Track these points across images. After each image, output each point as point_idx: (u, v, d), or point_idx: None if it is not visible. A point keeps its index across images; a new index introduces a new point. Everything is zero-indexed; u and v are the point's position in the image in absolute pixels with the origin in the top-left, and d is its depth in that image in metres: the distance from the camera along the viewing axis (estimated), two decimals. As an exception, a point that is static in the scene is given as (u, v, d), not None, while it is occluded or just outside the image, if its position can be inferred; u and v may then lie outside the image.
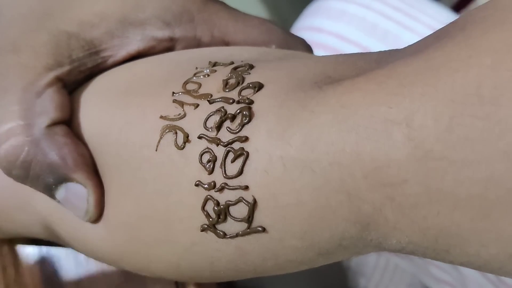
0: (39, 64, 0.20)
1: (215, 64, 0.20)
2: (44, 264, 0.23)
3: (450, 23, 0.15)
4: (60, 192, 0.19)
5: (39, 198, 0.21)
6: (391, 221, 0.15)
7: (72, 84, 0.21)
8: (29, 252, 0.24)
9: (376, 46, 0.36)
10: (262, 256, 0.17)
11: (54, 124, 0.20)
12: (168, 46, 0.22)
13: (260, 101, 0.17)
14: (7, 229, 0.23)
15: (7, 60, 0.20)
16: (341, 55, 0.18)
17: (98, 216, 0.20)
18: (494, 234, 0.13)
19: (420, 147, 0.13)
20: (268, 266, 0.18)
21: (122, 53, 0.21)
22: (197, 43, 0.22)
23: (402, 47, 0.17)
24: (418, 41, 0.16)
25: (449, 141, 0.13)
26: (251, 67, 0.18)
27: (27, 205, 0.22)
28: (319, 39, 0.37)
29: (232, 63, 0.19)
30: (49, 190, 0.19)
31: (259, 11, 0.90)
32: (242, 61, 0.19)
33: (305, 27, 0.39)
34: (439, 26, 0.38)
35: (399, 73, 0.14)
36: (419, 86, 0.13)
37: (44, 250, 0.24)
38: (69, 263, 0.23)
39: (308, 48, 0.24)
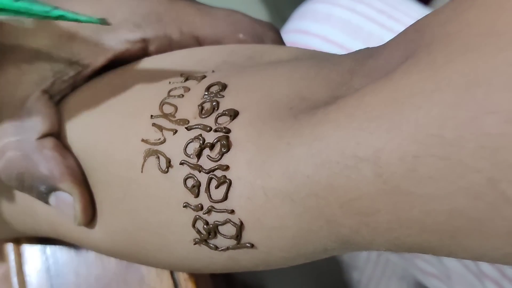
0: (26, 81, 0.21)
1: (187, 78, 0.20)
2: (49, 270, 0.25)
3: (418, 26, 0.16)
4: (52, 200, 0.21)
5: (41, 203, 0.22)
6: (367, 240, 0.16)
7: (57, 94, 0.22)
8: (35, 254, 0.25)
9: (360, 48, 0.38)
10: (253, 263, 0.19)
11: (43, 136, 0.21)
12: (142, 46, 0.23)
13: (237, 130, 0.18)
14: (19, 228, 0.25)
15: None
16: (313, 65, 0.19)
17: (86, 221, 0.21)
18: (460, 248, 0.14)
19: (388, 183, 0.14)
20: (260, 269, 0.19)
21: (100, 59, 0.22)
22: (169, 41, 0.23)
23: (374, 48, 0.18)
24: (389, 45, 0.17)
25: (414, 178, 0.13)
26: (224, 87, 0.19)
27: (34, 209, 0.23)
28: (305, 41, 0.39)
29: (204, 76, 0.20)
30: (43, 198, 0.21)
31: (259, 10, 0.91)
32: (213, 71, 0.20)
33: (292, 29, 0.41)
34: (421, 27, 0.39)
35: (366, 105, 0.15)
36: (384, 122, 0.14)
37: (49, 252, 0.25)
38: (73, 266, 0.25)
39: (275, 32, 0.24)
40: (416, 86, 0.14)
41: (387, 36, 0.38)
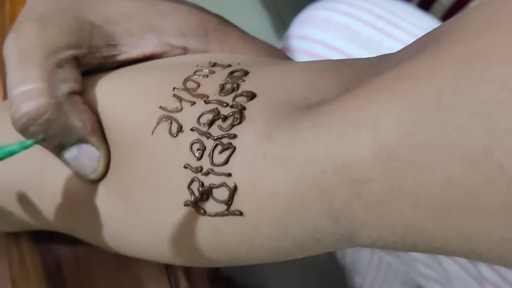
0: (61, 40, 0.22)
1: (214, 65, 0.22)
2: (46, 259, 0.25)
3: (433, 30, 0.16)
4: (72, 152, 0.22)
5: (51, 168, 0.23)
6: (359, 217, 0.16)
7: (84, 66, 0.23)
8: (32, 248, 0.26)
9: (359, 53, 0.38)
10: (238, 238, 0.19)
11: (73, 93, 0.22)
12: (180, 54, 0.24)
13: (251, 108, 0.19)
14: (17, 220, 0.25)
15: (32, 28, 0.21)
16: (328, 62, 0.20)
17: (103, 175, 0.22)
18: (455, 232, 0.14)
19: (384, 148, 0.14)
20: (243, 251, 0.19)
21: (136, 52, 0.24)
22: None
23: (390, 53, 0.18)
24: (403, 49, 0.17)
25: (410, 144, 0.14)
26: (246, 73, 0.20)
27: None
28: (306, 47, 0.40)
29: (230, 65, 0.21)
30: (59, 149, 0.22)
31: (260, 15, 0.92)
32: (238, 64, 0.22)
33: (294, 35, 0.41)
34: (421, 33, 0.40)
35: (372, 83, 0.16)
36: (386, 93, 0.15)
37: (46, 246, 0.26)
38: (69, 256, 0.25)
39: None
40: (419, 65, 0.14)
41: (385, 41, 0.38)
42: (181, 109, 0.20)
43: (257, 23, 0.88)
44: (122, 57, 0.24)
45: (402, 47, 0.18)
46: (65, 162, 0.22)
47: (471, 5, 0.51)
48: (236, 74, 0.20)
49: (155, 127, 0.20)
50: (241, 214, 0.18)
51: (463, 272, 0.40)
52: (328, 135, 0.16)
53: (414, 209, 0.14)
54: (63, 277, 0.24)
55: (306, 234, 0.17)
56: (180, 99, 0.20)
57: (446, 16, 0.53)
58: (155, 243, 0.21)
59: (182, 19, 0.24)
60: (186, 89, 0.20)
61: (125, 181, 0.21)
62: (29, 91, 0.20)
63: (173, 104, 0.20)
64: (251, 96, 0.19)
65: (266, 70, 0.21)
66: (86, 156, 0.22)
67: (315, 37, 0.40)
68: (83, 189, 0.22)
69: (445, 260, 0.41)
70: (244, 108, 0.19)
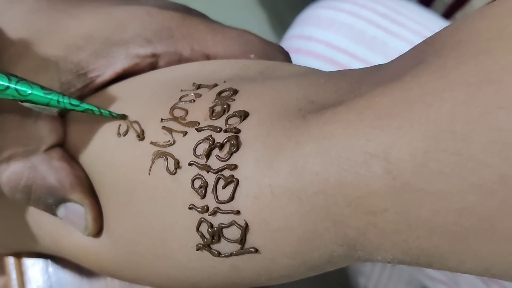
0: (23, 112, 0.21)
1: (199, 86, 0.20)
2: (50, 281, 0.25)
3: (429, 39, 0.16)
4: (61, 211, 0.21)
5: (44, 217, 0.22)
6: (375, 244, 0.15)
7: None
8: (37, 273, 0.26)
9: (364, 53, 0.38)
10: (256, 272, 0.18)
11: (50, 148, 0.21)
12: (151, 61, 0.23)
13: (246, 130, 0.18)
14: (19, 242, 0.25)
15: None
16: (322, 74, 0.19)
17: (97, 230, 0.21)
18: (470, 254, 0.14)
19: (398, 179, 0.14)
20: (263, 280, 0.19)
21: (109, 73, 0.22)
22: (179, 57, 0.23)
23: (384, 63, 0.18)
24: (399, 58, 0.17)
25: (424, 174, 0.14)
26: (235, 92, 0.19)
27: (36, 223, 0.24)
28: (309, 47, 0.39)
29: (216, 85, 0.20)
30: (50, 210, 0.21)
31: (258, 14, 0.91)
32: (225, 81, 0.20)
33: (295, 35, 0.41)
34: (425, 31, 0.39)
35: (376, 104, 0.15)
36: (395, 120, 0.14)
37: (52, 271, 0.26)
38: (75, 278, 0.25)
39: (286, 56, 0.25)
40: (426, 86, 0.14)
41: (390, 41, 0.38)
42: (174, 142, 0.19)
43: (255, 23, 0.88)
44: (97, 82, 0.23)
45: (408, 46, 0.17)
46: (63, 221, 0.22)
47: (473, 2, 0.50)
48: (224, 94, 0.19)
49: (151, 166, 0.19)
50: (256, 251, 0.17)
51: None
52: (336, 166, 0.15)
53: (430, 236, 0.14)
54: None
55: (322, 260, 0.17)
56: (171, 131, 0.19)
57: (447, 12, 0.52)
58: (172, 284, 0.20)
59: (143, 25, 0.23)
60: (175, 119, 0.19)
61: (128, 230, 0.20)
62: (7, 158, 0.20)
63: (164, 137, 0.19)
64: (244, 115, 0.18)
65: (257, 86, 0.20)
66: (73, 214, 0.21)
67: (318, 37, 0.39)
68: (89, 245, 0.22)
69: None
70: (239, 131, 0.18)
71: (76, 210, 0.21)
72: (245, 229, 0.17)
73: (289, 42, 0.41)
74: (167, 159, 0.19)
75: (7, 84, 0.19)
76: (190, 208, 0.18)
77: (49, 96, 0.20)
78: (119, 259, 0.21)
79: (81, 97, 0.23)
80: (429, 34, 0.17)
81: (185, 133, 0.19)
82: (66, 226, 0.22)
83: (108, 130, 0.21)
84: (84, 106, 0.20)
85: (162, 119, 0.20)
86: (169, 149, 0.19)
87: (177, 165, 0.18)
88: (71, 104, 0.20)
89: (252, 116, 0.18)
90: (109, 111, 0.20)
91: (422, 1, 0.55)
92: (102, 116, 0.21)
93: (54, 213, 0.21)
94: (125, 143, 0.20)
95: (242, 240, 0.17)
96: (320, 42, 0.39)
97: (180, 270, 0.19)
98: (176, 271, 0.20)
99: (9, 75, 0.19)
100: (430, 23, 0.39)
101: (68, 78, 0.22)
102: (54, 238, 0.23)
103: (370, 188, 0.15)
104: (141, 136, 0.20)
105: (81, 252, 0.23)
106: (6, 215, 0.24)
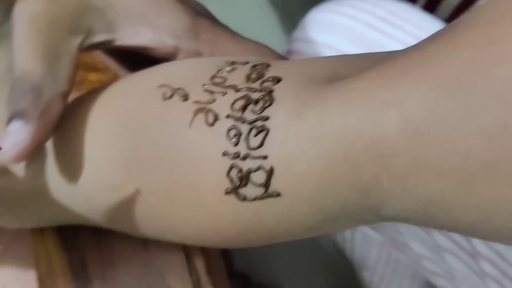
0: (65, 25, 0.23)
1: (233, 63, 0.23)
2: (71, 256, 0.27)
3: (446, 27, 0.18)
4: (11, 125, 0.22)
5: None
6: (386, 190, 0.17)
7: (82, 48, 0.25)
8: (58, 246, 0.27)
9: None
10: (276, 219, 0.20)
11: (60, 94, 0.23)
12: (171, 52, 0.26)
13: (279, 89, 0.20)
14: (44, 217, 0.26)
15: (41, 11, 0.23)
16: (345, 55, 0.22)
17: (9, 161, 0.22)
18: (473, 201, 0.16)
19: (411, 125, 0.16)
20: (281, 229, 0.21)
21: (130, 41, 0.26)
22: (198, 56, 0.26)
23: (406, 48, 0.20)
24: (417, 43, 0.19)
25: (434, 119, 0.16)
26: (268, 65, 0.22)
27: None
28: (310, 50, 0.42)
29: (248, 62, 0.23)
30: (11, 116, 0.22)
31: (270, 14, 0.93)
32: (254, 61, 0.23)
33: (298, 38, 0.43)
34: (423, 34, 0.41)
35: (395, 64, 0.17)
36: (411, 75, 0.17)
37: (71, 242, 0.27)
38: (94, 254, 0.27)
39: None
40: (439, 48, 0.16)
41: (389, 43, 0.40)
42: (214, 100, 0.21)
43: (267, 24, 0.90)
44: (116, 43, 0.26)
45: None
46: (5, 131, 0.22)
47: (479, 3, 0.52)
48: (258, 66, 0.22)
49: (191, 120, 0.21)
50: (278, 195, 0.20)
51: (465, 267, 0.42)
52: (357, 114, 0.17)
53: (437, 180, 0.16)
54: (88, 274, 0.26)
55: (337, 208, 0.19)
56: (212, 92, 0.22)
57: (453, 15, 0.54)
58: (199, 233, 0.23)
59: (178, 20, 0.26)
60: (215, 84, 0.22)
61: (164, 181, 0.22)
62: (26, 75, 0.22)
63: (206, 97, 0.22)
64: (277, 80, 0.21)
65: (286, 62, 0.23)
66: (12, 133, 0.22)
67: (320, 40, 0.41)
68: (116, 204, 0.24)
69: (448, 256, 0.42)
70: (272, 91, 0.20)
71: (16, 134, 0.22)
72: (270, 173, 0.19)
73: (292, 45, 0.44)
74: (207, 113, 0.21)
75: None
76: (223, 155, 0.20)
77: None
78: (148, 212, 0.23)
79: (95, 48, 0.25)
80: (426, 37, 0.20)
81: (225, 93, 0.21)
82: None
83: (152, 95, 0.23)
84: None
85: (204, 84, 0.22)
86: (209, 106, 0.21)
87: (216, 117, 0.21)
88: None
89: (284, 80, 0.21)
90: None
91: (428, 3, 0.57)
92: None
93: (9, 120, 0.22)
94: (170, 104, 0.22)
95: (267, 184, 0.20)
96: (321, 45, 0.41)
97: (207, 216, 0.22)
98: (204, 217, 0.22)
99: None
100: (428, 26, 0.41)
101: (97, 27, 0.25)
102: (87, 198, 0.24)
103: (386, 133, 0.17)
104: (185, 98, 0.22)
105: (110, 210, 0.24)
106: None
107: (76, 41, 0.24)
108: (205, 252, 0.26)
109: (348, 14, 0.41)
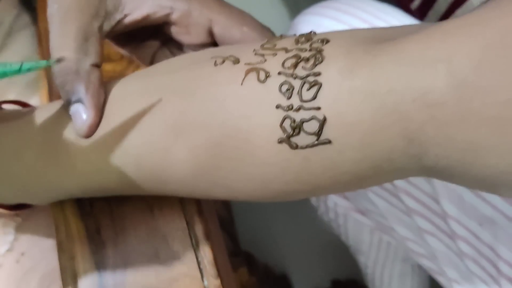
0: (89, 11, 0.27)
1: (281, 36, 0.25)
2: (87, 223, 0.30)
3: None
4: (73, 108, 0.26)
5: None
6: (430, 136, 0.19)
7: (103, 33, 0.28)
8: (75, 214, 0.31)
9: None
10: (324, 166, 0.22)
11: (94, 65, 0.26)
12: (168, 12, 0.29)
13: (329, 49, 0.22)
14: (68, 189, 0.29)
15: (69, 4, 0.27)
16: (386, 27, 0.24)
17: (85, 136, 0.26)
18: (509, 147, 0.18)
19: (457, 78, 0.18)
20: (327, 178, 0.22)
21: (137, 13, 0.29)
22: (189, 14, 0.30)
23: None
24: (459, 16, 0.21)
25: (478, 73, 0.18)
26: (314, 33, 0.24)
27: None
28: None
29: (295, 34, 0.25)
30: (67, 103, 0.26)
31: (279, 7, 0.94)
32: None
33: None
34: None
35: (442, 28, 0.20)
36: (458, 36, 0.19)
37: (87, 211, 0.30)
38: (107, 221, 0.30)
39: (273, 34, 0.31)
40: (483, 16, 0.19)
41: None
42: (265, 61, 0.23)
43: (277, 15, 0.92)
44: (127, 20, 0.29)
45: None
46: (70, 114, 0.26)
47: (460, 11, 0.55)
48: (305, 34, 0.24)
49: (243, 78, 0.23)
50: (329, 142, 0.21)
51: (445, 247, 0.45)
52: (407, 70, 0.19)
53: (477, 127, 0.18)
54: (102, 239, 0.29)
55: (382, 155, 0.21)
56: (263, 54, 0.23)
57: (443, 18, 0.57)
58: (248, 185, 0.24)
59: None
60: (266, 48, 0.23)
61: (215, 135, 0.23)
62: (61, 56, 0.26)
63: (257, 59, 0.23)
64: (326, 40, 0.22)
65: (331, 31, 0.24)
66: (78, 115, 0.26)
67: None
68: (166, 155, 0.25)
69: (429, 237, 0.46)
70: (322, 50, 0.22)
71: (82, 113, 0.26)
72: (323, 122, 0.21)
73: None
74: (258, 72, 0.23)
75: None
76: (277, 107, 0.22)
77: None
78: (198, 168, 0.25)
79: (113, 30, 0.28)
80: None
81: (275, 54, 0.23)
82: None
83: (203, 64, 0.25)
84: (26, 66, 0.22)
85: (254, 49, 0.24)
86: (261, 65, 0.23)
87: (267, 74, 0.22)
88: (15, 71, 0.22)
89: (332, 41, 0.22)
90: (46, 61, 0.24)
91: (419, 11, 0.60)
92: (42, 68, 0.25)
93: (68, 107, 0.26)
94: (222, 68, 0.24)
95: (319, 132, 0.21)
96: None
97: (258, 167, 0.23)
98: (254, 169, 0.23)
99: None
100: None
101: (111, 10, 0.29)
102: (137, 164, 0.26)
103: (434, 85, 0.19)
104: (236, 61, 0.23)
105: (160, 173, 0.26)
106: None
107: (97, 24, 0.28)
108: (203, 219, 0.30)
109: (332, 16, 0.45)
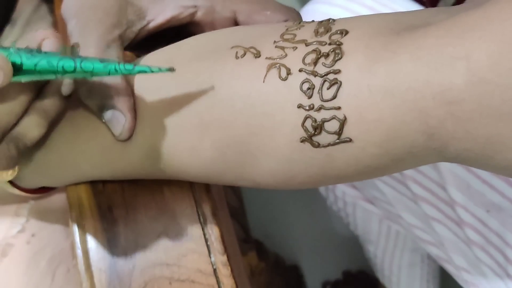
0: (108, 21, 0.27)
1: (300, 22, 0.25)
2: (100, 202, 0.31)
3: None
4: (108, 114, 0.26)
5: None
6: (451, 132, 0.20)
7: (126, 42, 0.28)
8: (88, 192, 0.31)
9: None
10: (346, 162, 0.22)
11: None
12: (192, 12, 0.30)
13: (348, 43, 0.22)
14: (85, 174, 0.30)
15: (88, 14, 0.27)
16: (403, 10, 0.26)
17: (127, 137, 0.26)
18: None
19: (476, 75, 0.18)
20: (350, 171, 0.23)
21: (160, 18, 0.30)
22: (213, 10, 0.30)
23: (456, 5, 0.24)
24: (478, 6, 0.21)
25: (497, 70, 0.18)
26: (333, 21, 0.24)
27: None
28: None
29: (313, 21, 0.25)
30: (100, 111, 0.26)
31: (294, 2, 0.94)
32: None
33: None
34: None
35: (461, 22, 0.19)
36: (477, 32, 0.19)
37: (99, 190, 0.31)
38: (119, 200, 0.31)
39: (298, 15, 0.31)
40: (504, 8, 0.18)
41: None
42: (286, 55, 0.23)
43: (284, 3, 0.91)
44: (151, 25, 0.29)
45: None
46: (105, 122, 0.27)
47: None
48: (324, 22, 0.24)
49: (265, 75, 0.23)
50: (350, 140, 0.22)
51: (452, 235, 0.45)
52: (426, 67, 0.19)
53: (497, 123, 0.19)
54: (113, 217, 0.30)
55: (404, 149, 0.21)
56: (283, 48, 0.23)
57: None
58: (273, 178, 0.25)
59: None
60: (286, 40, 0.23)
61: (241, 134, 0.24)
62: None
63: (278, 53, 0.23)
64: (345, 32, 0.22)
65: (350, 17, 0.24)
66: (115, 119, 0.26)
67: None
68: (191, 154, 0.26)
69: (436, 224, 0.46)
70: (341, 43, 0.22)
71: (118, 118, 0.26)
72: (343, 121, 0.21)
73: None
74: (279, 68, 0.23)
75: (74, 65, 0.23)
76: (298, 107, 0.22)
77: (108, 67, 0.23)
78: (225, 164, 0.25)
79: (136, 38, 0.29)
80: None
81: (296, 48, 0.23)
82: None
83: (225, 56, 0.25)
84: (138, 69, 0.24)
85: (275, 41, 0.24)
86: (282, 61, 0.23)
87: (289, 72, 0.23)
88: (126, 69, 0.23)
89: (351, 33, 0.22)
90: (159, 68, 0.24)
91: (429, 1, 0.59)
92: (152, 73, 0.24)
93: (100, 115, 0.27)
94: (243, 61, 0.24)
95: (340, 131, 0.22)
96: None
97: (283, 163, 0.24)
98: (279, 165, 0.24)
99: (74, 58, 0.23)
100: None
101: (133, 18, 0.29)
102: (173, 157, 0.27)
103: (453, 82, 0.19)
104: (257, 55, 0.24)
105: (189, 170, 0.27)
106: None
107: (119, 31, 0.28)
108: (211, 198, 0.31)
109: (339, 5, 0.45)
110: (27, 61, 0.22)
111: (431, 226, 0.46)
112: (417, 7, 0.45)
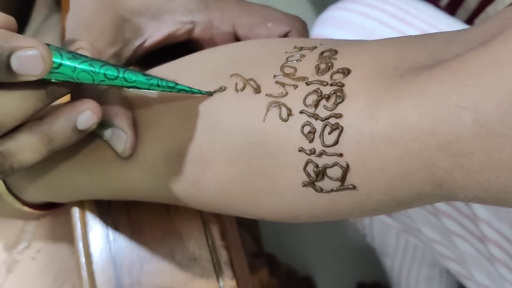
0: (104, 40, 0.27)
1: (301, 49, 0.24)
2: (106, 221, 0.30)
3: (502, 13, 0.19)
4: (107, 132, 0.25)
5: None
6: (459, 182, 0.19)
7: (123, 60, 0.28)
8: (94, 211, 0.31)
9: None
10: (351, 206, 0.22)
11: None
12: (190, 28, 0.29)
13: (350, 84, 0.21)
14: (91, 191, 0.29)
15: (82, 34, 0.27)
16: (412, 36, 0.23)
17: (130, 155, 0.25)
18: None
19: (484, 127, 0.17)
20: (356, 214, 0.22)
21: (157, 35, 0.29)
22: (211, 25, 0.30)
23: (468, 27, 0.21)
24: (484, 24, 0.20)
25: (507, 122, 0.17)
26: (335, 52, 0.23)
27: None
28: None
29: (315, 47, 0.24)
30: (99, 131, 0.25)
31: (306, 7, 0.94)
32: (321, 44, 0.24)
33: (314, 35, 0.46)
34: (431, 29, 0.44)
35: (468, 66, 0.18)
36: (485, 78, 0.17)
37: (105, 210, 0.31)
38: (124, 222, 0.30)
39: (302, 24, 0.30)
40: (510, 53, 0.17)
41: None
42: (287, 94, 0.22)
43: (300, 11, 0.90)
44: (148, 43, 0.29)
45: None
46: (106, 140, 0.26)
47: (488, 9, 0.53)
48: (326, 54, 0.23)
49: (265, 114, 0.22)
50: (354, 188, 0.21)
51: (474, 251, 0.44)
52: (431, 117, 0.18)
53: (510, 174, 0.18)
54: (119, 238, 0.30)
55: (410, 197, 0.21)
56: (283, 85, 0.22)
57: (469, 19, 0.55)
58: (277, 217, 0.24)
59: None
60: (286, 75, 0.23)
61: (243, 172, 0.23)
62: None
63: (278, 90, 0.22)
64: (347, 72, 0.21)
65: (354, 46, 0.23)
66: (117, 137, 0.25)
67: (333, 36, 0.44)
68: (196, 192, 0.25)
69: (457, 240, 0.44)
70: (343, 85, 0.21)
71: (120, 135, 0.25)
72: (346, 169, 0.21)
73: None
74: (280, 107, 0.22)
75: (116, 74, 0.22)
76: (299, 151, 0.21)
77: (151, 81, 0.23)
78: (229, 199, 0.25)
79: (134, 55, 0.29)
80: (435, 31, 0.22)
81: (296, 86, 0.22)
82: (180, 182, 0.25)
83: (224, 82, 0.25)
84: (179, 87, 0.24)
85: (275, 75, 0.23)
86: (282, 100, 0.22)
87: (289, 112, 0.22)
88: (168, 87, 0.24)
89: (354, 72, 0.21)
90: (198, 90, 0.24)
91: (448, 8, 0.58)
92: (191, 94, 0.24)
93: (101, 134, 0.26)
94: (243, 96, 0.24)
95: (343, 179, 0.21)
96: (334, 41, 0.44)
97: (286, 205, 0.23)
98: (282, 206, 0.23)
99: (117, 67, 0.23)
100: (437, 22, 0.43)
101: (130, 36, 0.29)
102: (169, 193, 0.26)
103: (460, 134, 0.18)
104: (257, 90, 0.23)
105: (185, 197, 0.26)
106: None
107: (114, 50, 0.28)
108: (220, 219, 0.30)
109: (360, 11, 0.44)
110: (67, 62, 0.21)
111: (452, 242, 0.45)
112: (440, 14, 0.44)
